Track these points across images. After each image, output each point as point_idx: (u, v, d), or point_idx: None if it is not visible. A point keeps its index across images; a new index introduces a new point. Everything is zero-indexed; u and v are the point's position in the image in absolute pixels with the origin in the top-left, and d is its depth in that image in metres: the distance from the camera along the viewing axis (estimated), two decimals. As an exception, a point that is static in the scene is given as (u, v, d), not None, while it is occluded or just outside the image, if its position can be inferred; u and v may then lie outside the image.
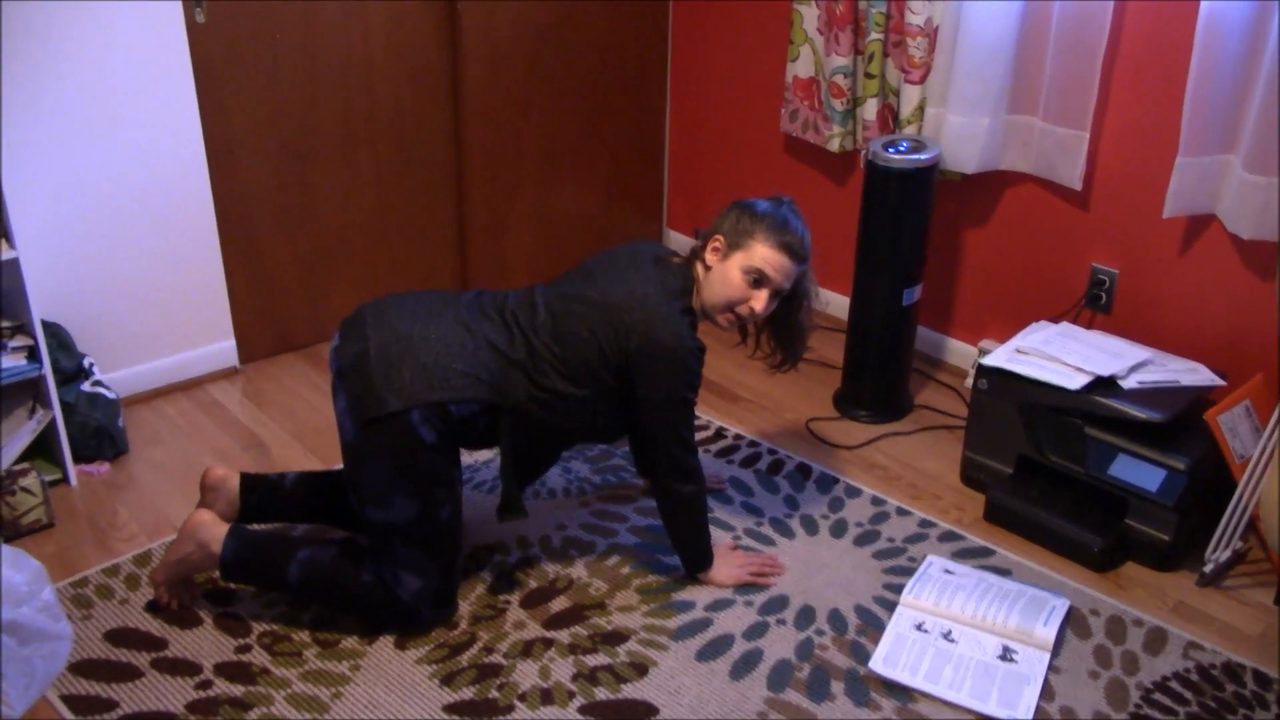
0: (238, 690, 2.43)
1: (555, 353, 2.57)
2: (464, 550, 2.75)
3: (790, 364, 2.87)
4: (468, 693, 2.45)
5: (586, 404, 2.61)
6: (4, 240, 2.84)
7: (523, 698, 2.43)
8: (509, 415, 2.56)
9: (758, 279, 2.61)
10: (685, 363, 2.57)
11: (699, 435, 3.42)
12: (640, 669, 2.53)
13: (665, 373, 2.56)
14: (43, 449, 3.10)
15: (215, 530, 2.60)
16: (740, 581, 2.79)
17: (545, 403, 2.58)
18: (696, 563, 2.79)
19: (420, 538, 2.53)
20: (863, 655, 2.58)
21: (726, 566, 2.81)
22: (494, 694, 2.44)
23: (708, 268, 2.67)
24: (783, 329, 2.81)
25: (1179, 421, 2.84)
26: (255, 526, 2.76)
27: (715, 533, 2.91)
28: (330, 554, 2.58)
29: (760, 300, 2.62)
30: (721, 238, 2.66)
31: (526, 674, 2.50)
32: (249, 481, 2.78)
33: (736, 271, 2.62)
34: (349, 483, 2.60)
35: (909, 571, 2.84)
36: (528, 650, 2.57)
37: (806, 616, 2.70)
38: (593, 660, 2.55)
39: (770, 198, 2.73)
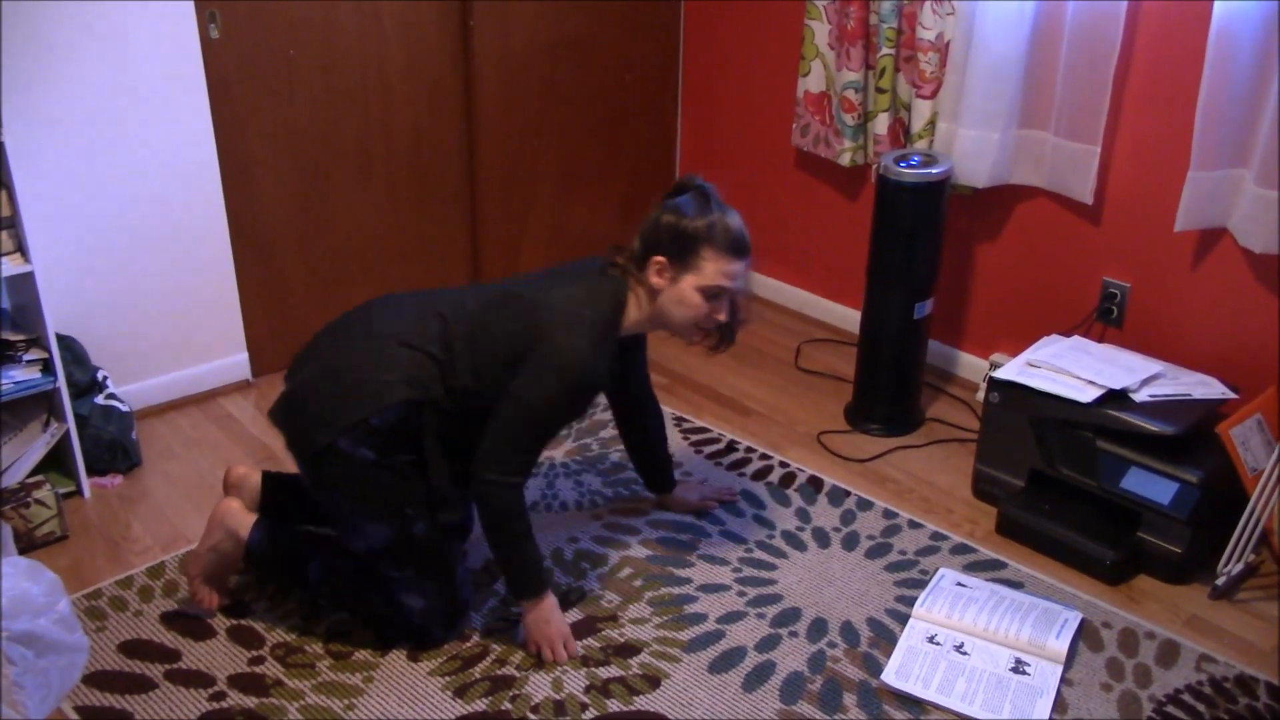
0: (251, 702, 2.44)
1: (473, 347, 2.49)
2: (465, 562, 2.75)
3: (728, 343, 2.71)
4: (480, 704, 2.45)
5: (494, 404, 2.49)
6: (20, 254, 2.86)
7: (535, 710, 2.43)
8: (430, 410, 2.49)
9: (717, 295, 2.52)
10: (559, 372, 2.42)
11: (711, 446, 3.43)
12: (653, 681, 2.53)
13: (542, 375, 2.43)
14: (57, 462, 3.12)
15: (244, 518, 2.64)
16: (545, 646, 2.59)
17: (457, 398, 2.50)
18: (519, 588, 2.60)
19: (405, 558, 2.53)
20: (875, 667, 2.58)
21: (552, 623, 2.60)
22: (506, 706, 2.44)
23: (653, 289, 2.53)
24: None
25: (1191, 435, 2.84)
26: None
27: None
28: (348, 566, 2.60)
29: (722, 310, 2.55)
30: (664, 259, 2.50)
31: (539, 686, 2.50)
32: (271, 480, 2.79)
33: (693, 293, 2.50)
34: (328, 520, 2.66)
35: (921, 584, 2.84)
36: (540, 662, 2.57)
37: (819, 629, 2.70)
38: (605, 672, 2.55)
39: (689, 192, 2.56)
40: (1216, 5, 2.86)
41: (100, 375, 3.29)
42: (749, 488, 3.25)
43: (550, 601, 2.60)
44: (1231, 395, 2.99)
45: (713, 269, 2.49)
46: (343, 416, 2.43)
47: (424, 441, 2.50)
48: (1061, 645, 2.60)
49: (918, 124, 3.59)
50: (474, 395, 2.49)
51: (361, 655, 2.58)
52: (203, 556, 2.65)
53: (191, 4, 3.25)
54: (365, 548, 2.52)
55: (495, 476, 2.45)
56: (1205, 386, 3.02)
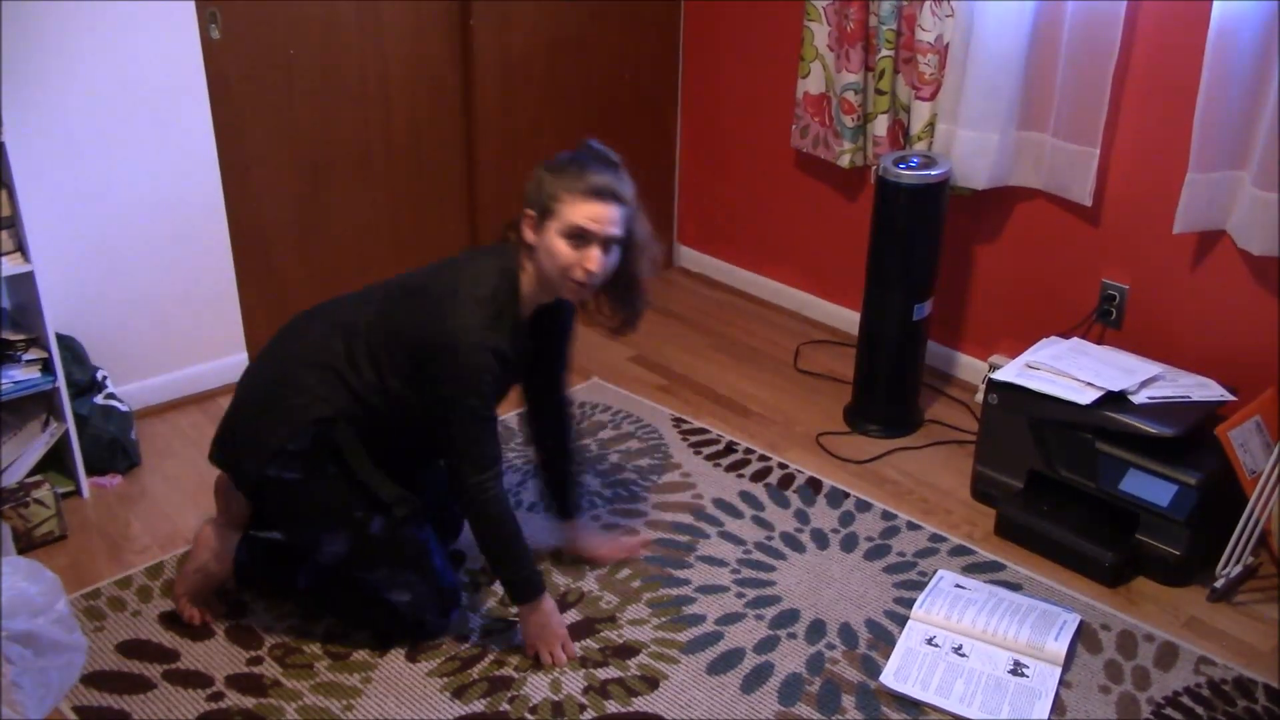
0: (249, 702, 2.44)
1: (372, 348, 2.48)
2: (445, 548, 2.73)
3: (630, 325, 2.66)
4: (479, 705, 2.45)
5: (401, 396, 2.48)
6: (19, 254, 2.86)
7: (534, 710, 2.43)
8: (343, 421, 2.48)
9: (579, 237, 2.40)
10: (459, 355, 2.37)
11: (710, 448, 3.43)
12: (651, 682, 2.53)
13: (441, 367, 2.38)
14: (56, 461, 3.11)
15: (228, 537, 2.66)
16: (544, 649, 2.58)
17: (366, 401, 2.49)
18: (516, 591, 2.58)
19: (374, 559, 2.54)
20: (874, 669, 2.58)
21: (550, 626, 2.59)
22: (505, 707, 2.44)
23: (531, 247, 2.47)
24: (616, 284, 2.56)
25: (1190, 436, 2.84)
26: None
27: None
28: (333, 573, 2.60)
29: (593, 259, 2.41)
30: (531, 211, 2.45)
31: (537, 687, 2.50)
32: None
33: (556, 239, 2.41)
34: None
35: (920, 586, 2.84)
36: (538, 663, 2.57)
37: (817, 630, 2.70)
38: (604, 673, 2.55)
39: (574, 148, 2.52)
40: (1216, 6, 2.86)
41: (100, 375, 3.28)
42: (747, 489, 3.25)
43: (549, 604, 2.59)
44: (1230, 397, 2.99)
45: (569, 210, 2.39)
46: (260, 447, 2.47)
47: (345, 452, 2.50)
48: (1060, 647, 2.60)
49: (917, 125, 3.59)
50: (381, 393, 2.49)
51: (360, 656, 2.58)
52: (189, 578, 2.66)
53: (192, 4, 3.25)
54: (332, 559, 2.53)
55: (474, 478, 2.44)
56: (1204, 388, 3.02)
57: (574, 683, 2.52)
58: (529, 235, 2.46)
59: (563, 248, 2.41)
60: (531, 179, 2.47)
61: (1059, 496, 3.04)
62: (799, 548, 3.00)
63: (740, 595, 2.82)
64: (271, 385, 2.55)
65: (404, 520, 2.54)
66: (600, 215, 2.40)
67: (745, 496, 3.21)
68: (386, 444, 2.56)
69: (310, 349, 2.54)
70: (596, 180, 2.40)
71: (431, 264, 2.61)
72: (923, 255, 3.40)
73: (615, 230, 2.43)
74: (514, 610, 2.65)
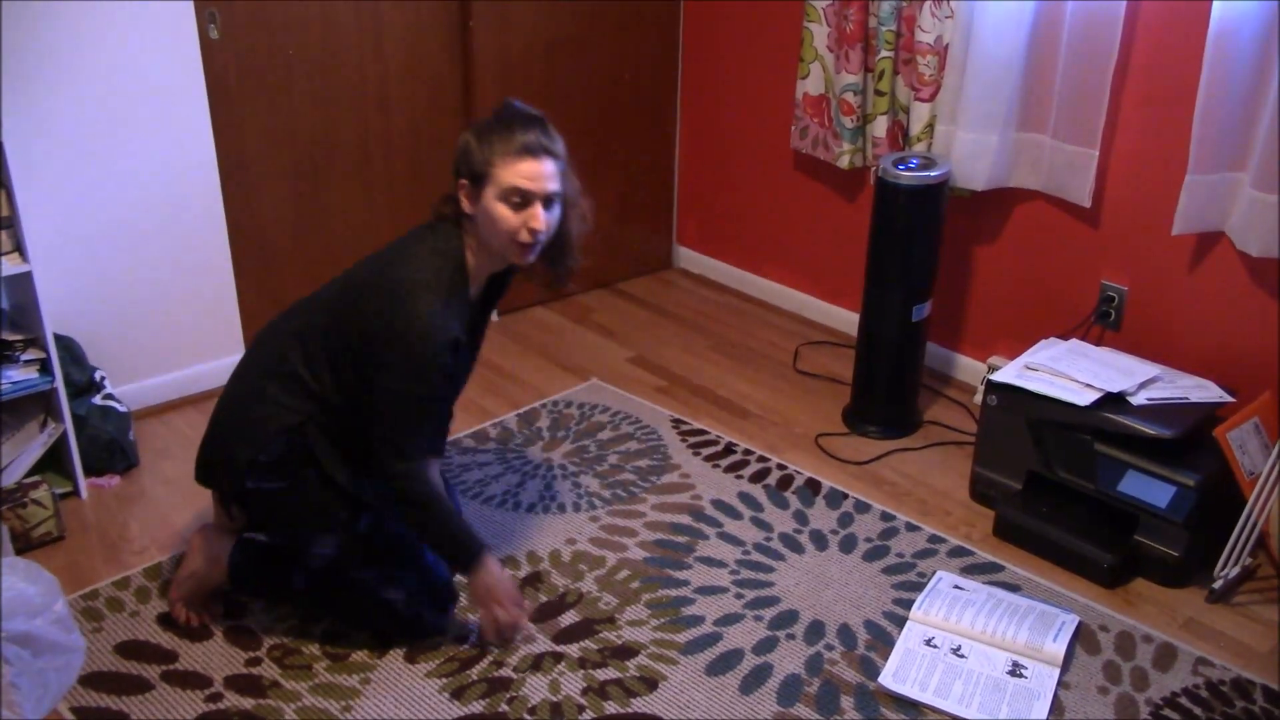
0: (248, 703, 2.44)
1: (329, 352, 2.47)
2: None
3: (563, 281, 2.61)
4: (477, 706, 2.45)
5: (362, 392, 2.46)
6: (17, 254, 2.86)
7: (532, 711, 2.43)
8: (311, 426, 2.49)
9: (519, 198, 2.36)
10: (414, 347, 2.34)
11: (709, 449, 3.43)
12: (650, 683, 2.53)
13: (395, 357, 2.36)
14: (54, 462, 3.11)
15: (222, 541, 2.65)
16: (498, 609, 2.55)
17: (329, 403, 2.49)
18: (456, 559, 2.54)
19: (366, 557, 2.54)
20: (872, 670, 2.58)
21: (497, 586, 2.54)
22: (504, 708, 2.44)
23: (470, 216, 2.43)
24: (550, 242, 2.50)
25: (1189, 438, 2.84)
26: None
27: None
28: (329, 573, 2.59)
29: (536, 217, 2.37)
30: (464, 181, 2.40)
31: (536, 688, 2.50)
32: None
33: (496, 205, 2.36)
34: None
35: (918, 587, 2.84)
36: (537, 664, 2.57)
37: (816, 631, 2.70)
38: (602, 674, 2.55)
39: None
40: (1215, 6, 2.86)
41: (98, 375, 3.28)
42: (746, 490, 3.25)
43: (493, 566, 2.52)
44: (1229, 398, 2.99)
45: (503, 173, 2.35)
46: (234, 463, 2.50)
47: (317, 456, 2.50)
48: (1059, 648, 2.60)
49: (916, 126, 3.59)
50: (344, 393, 2.49)
51: (359, 656, 2.58)
52: (183, 582, 2.66)
53: (191, 4, 3.25)
54: (325, 562, 2.54)
55: (401, 467, 2.42)
56: (1202, 390, 3.02)
57: (573, 684, 2.52)
58: (466, 206, 2.42)
59: (504, 212, 2.37)
60: (458, 151, 2.42)
61: (1058, 498, 3.04)
62: (798, 549, 3.00)
63: (739, 596, 2.82)
64: (239, 401, 2.58)
65: (389, 517, 2.55)
66: (536, 172, 2.36)
67: (744, 497, 3.21)
68: (362, 442, 2.55)
69: (271, 360, 2.55)
70: (526, 138, 2.36)
71: (374, 254, 2.56)
72: (922, 256, 3.40)
73: (553, 186, 2.40)
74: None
